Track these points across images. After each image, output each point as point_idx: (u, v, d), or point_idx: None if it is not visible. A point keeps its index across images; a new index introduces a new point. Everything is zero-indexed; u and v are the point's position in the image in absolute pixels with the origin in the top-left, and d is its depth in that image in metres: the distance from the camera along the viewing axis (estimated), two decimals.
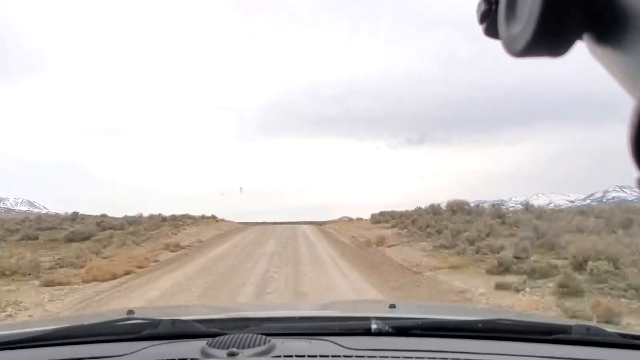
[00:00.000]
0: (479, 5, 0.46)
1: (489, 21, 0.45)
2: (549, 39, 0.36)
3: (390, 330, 1.26)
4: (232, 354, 1.07)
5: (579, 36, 0.37)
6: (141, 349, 1.17)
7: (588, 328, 1.27)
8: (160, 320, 1.26)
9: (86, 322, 1.32)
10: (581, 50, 0.39)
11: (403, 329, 1.28)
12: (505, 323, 1.34)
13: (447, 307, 3.72)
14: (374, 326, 1.26)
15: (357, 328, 1.30)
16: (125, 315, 1.36)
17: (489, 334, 1.30)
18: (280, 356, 1.10)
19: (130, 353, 1.15)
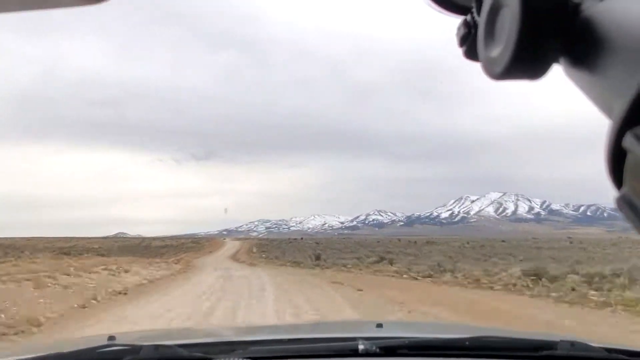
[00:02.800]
0: (459, 28, 0.47)
1: (469, 44, 0.46)
2: (526, 62, 0.37)
3: (377, 350, 1.25)
4: None
5: (555, 60, 0.38)
6: None
7: (573, 343, 1.28)
8: (142, 346, 1.21)
9: (65, 350, 1.27)
10: (556, 74, 0.40)
11: (390, 349, 1.27)
12: (492, 340, 1.34)
13: (434, 325, 3.77)
14: (361, 347, 1.24)
15: (344, 349, 1.28)
16: (106, 342, 1.30)
17: (477, 351, 1.29)
18: None
19: None
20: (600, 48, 0.34)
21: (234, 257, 30.99)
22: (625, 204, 0.30)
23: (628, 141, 0.30)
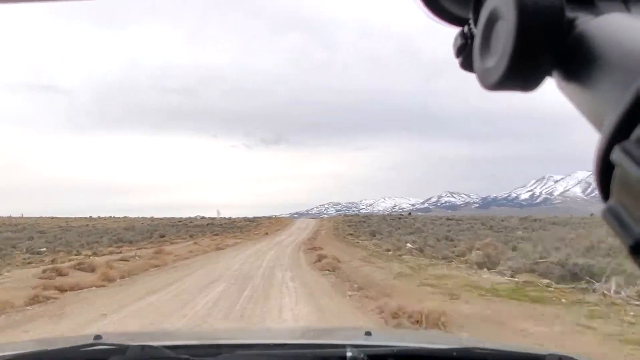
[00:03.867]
0: (456, 39, 0.48)
1: (465, 55, 0.47)
2: (520, 74, 0.38)
3: (365, 358, 1.25)
4: None
5: (548, 73, 0.39)
6: None
7: (560, 357, 1.25)
8: (128, 346, 1.23)
9: (50, 348, 1.28)
10: (550, 86, 0.40)
11: (378, 358, 1.27)
12: (480, 352, 1.32)
13: (423, 334, 3.69)
14: (348, 354, 1.25)
15: (331, 356, 1.29)
16: (92, 341, 1.33)
17: None
18: None
19: None
20: (593, 62, 0.35)
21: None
22: (612, 215, 0.31)
23: (616, 155, 0.30)
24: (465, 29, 0.47)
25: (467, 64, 0.46)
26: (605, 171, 0.31)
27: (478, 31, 0.43)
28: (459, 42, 0.47)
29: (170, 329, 5.66)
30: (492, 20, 0.41)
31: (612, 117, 0.31)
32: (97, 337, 1.39)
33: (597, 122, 0.34)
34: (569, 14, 0.38)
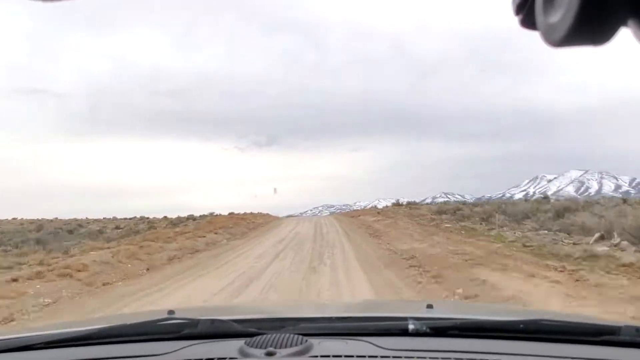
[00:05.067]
0: None
1: (526, 12, 0.44)
2: (590, 26, 0.35)
3: (427, 330, 1.22)
4: (270, 354, 1.07)
5: (623, 22, 0.36)
6: (181, 348, 1.18)
7: (638, 329, 1.17)
8: (199, 320, 1.26)
9: (128, 322, 1.32)
10: (623, 38, 0.37)
11: (441, 330, 1.24)
12: (549, 324, 1.26)
13: (487, 307, 3.53)
14: (411, 326, 1.22)
15: (393, 328, 1.26)
16: (165, 315, 1.36)
17: (531, 334, 1.22)
18: (317, 356, 1.09)
19: (171, 352, 1.16)
20: None
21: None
22: None
23: None
24: None
25: (528, 22, 0.43)
26: None
27: None
28: None
29: (237, 304, 5.72)
30: None
31: None
32: (171, 312, 1.43)
33: None
34: None
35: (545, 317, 1.33)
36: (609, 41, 0.35)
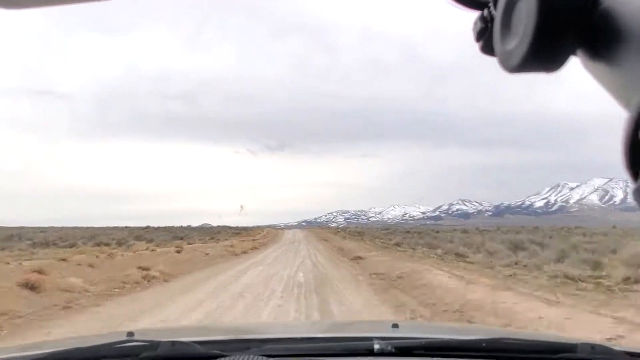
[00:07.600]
0: (475, 23, 0.48)
1: (485, 39, 0.47)
2: (543, 54, 0.38)
3: (393, 350, 1.24)
4: None
5: (572, 52, 0.39)
6: None
7: (593, 346, 1.22)
8: (160, 342, 1.23)
9: (84, 345, 1.30)
10: (574, 66, 0.40)
11: (406, 349, 1.26)
12: (510, 342, 1.31)
13: (450, 327, 3.63)
14: (376, 346, 1.24)
15: (359, 348, 1.28)
16: (124, 337, 1.35)
17: (493, 353, 1.26)
18: None
19: None
20: (619, 39, 0.34)
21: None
22: None
23: None
24: (485, 12, 0.46)
25: (487, 48, 0.46)
26: (633, 151, 0.30)
27: (498, 13, 0.43)
28: (479, 25, 0.47)
29: (200, 324, 5.77)
30: (513, 1, 0.40)
31: None
32: (130, 333, 1.42)
33: (624, 101, 0.34)
34: None
35: (507, 336, 1.43)
36: (560, 68, 0.38)
